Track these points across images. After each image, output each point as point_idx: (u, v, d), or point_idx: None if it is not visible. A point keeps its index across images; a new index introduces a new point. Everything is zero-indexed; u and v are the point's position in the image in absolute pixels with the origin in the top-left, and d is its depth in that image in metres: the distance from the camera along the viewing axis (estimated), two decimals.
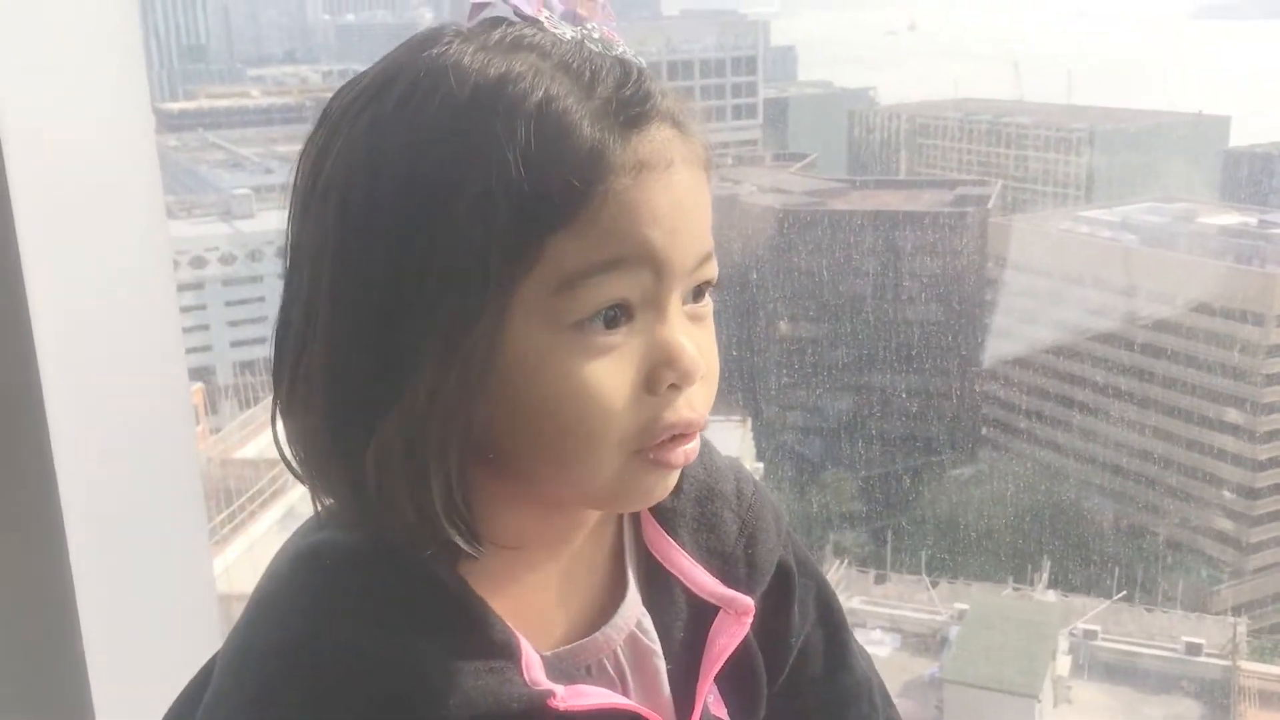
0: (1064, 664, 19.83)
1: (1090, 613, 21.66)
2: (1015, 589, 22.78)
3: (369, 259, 0.68)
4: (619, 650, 0.81)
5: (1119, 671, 20.51)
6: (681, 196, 0.73)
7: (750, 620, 0.83)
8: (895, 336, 27.34)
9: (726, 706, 0.86)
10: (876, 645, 22.71)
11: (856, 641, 0.98)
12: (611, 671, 0.80)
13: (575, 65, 0.70)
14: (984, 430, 28.92)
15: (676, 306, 0.73)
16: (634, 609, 0.82)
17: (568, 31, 0.72)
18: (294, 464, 0.76)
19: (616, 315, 0.70)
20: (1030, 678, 18.76)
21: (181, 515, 0.92)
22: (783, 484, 27.96)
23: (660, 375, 0.73)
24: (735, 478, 0.87)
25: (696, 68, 44.05)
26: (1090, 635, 20.86)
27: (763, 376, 28.27)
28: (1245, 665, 20.23)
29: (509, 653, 0.73)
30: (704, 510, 0.83)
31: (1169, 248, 29.07)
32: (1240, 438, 25.68)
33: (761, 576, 0.86)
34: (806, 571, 0.93)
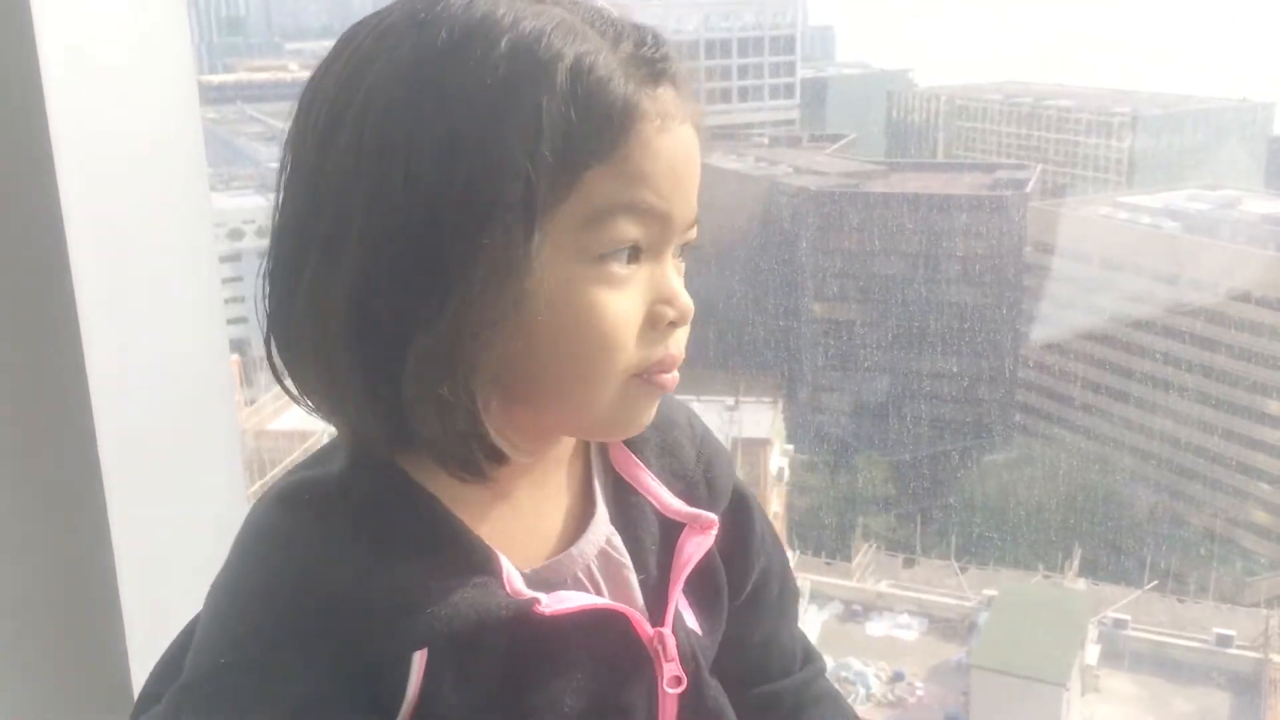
0: (1093, 653, 19.73)
1: (1121, 602, 21.52)
2: (1045, 576, 22.68)
3: (411, 190, 0.71)
4: (592, 565, 0.87)
5: (1148, 661, 20.38)
6: (690, 153, 0.81)
7: (714, 534, 0.90)
8: (931, 320, 27.18)
9: (695, 617, 0.94)
10: (904, 629, 22.70)
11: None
12: (587, 584, 0.86)
13: (599, 23, 0.77)
14: (1018, 416, 28.73)
15: (670, 256, 0.81)
16: (603, 528, 0.89)
17: None
18: (291, 388, 0.79)
19: (632, 253, 0.78)
20: (1058, 666, 18.67)
21: (222, 486, 0.92)
22: (816, 467, 27.93)
23: (662, 313, 0.81)
24: (685, 412, 0.94)
25: (734, 46, 43.84)
26: (1120, 624, 20.74)
27: (795, 357, 28.20)
28: (1277, 658, 20.04)
29: (490, 568, 0.79)
30: (665, 437, 0.91)
31: (1211, 235, 28.70)
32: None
33: (720, 497, 0.94)
34: (762, 514, 1.02)
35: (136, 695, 0.93)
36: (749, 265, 30.28)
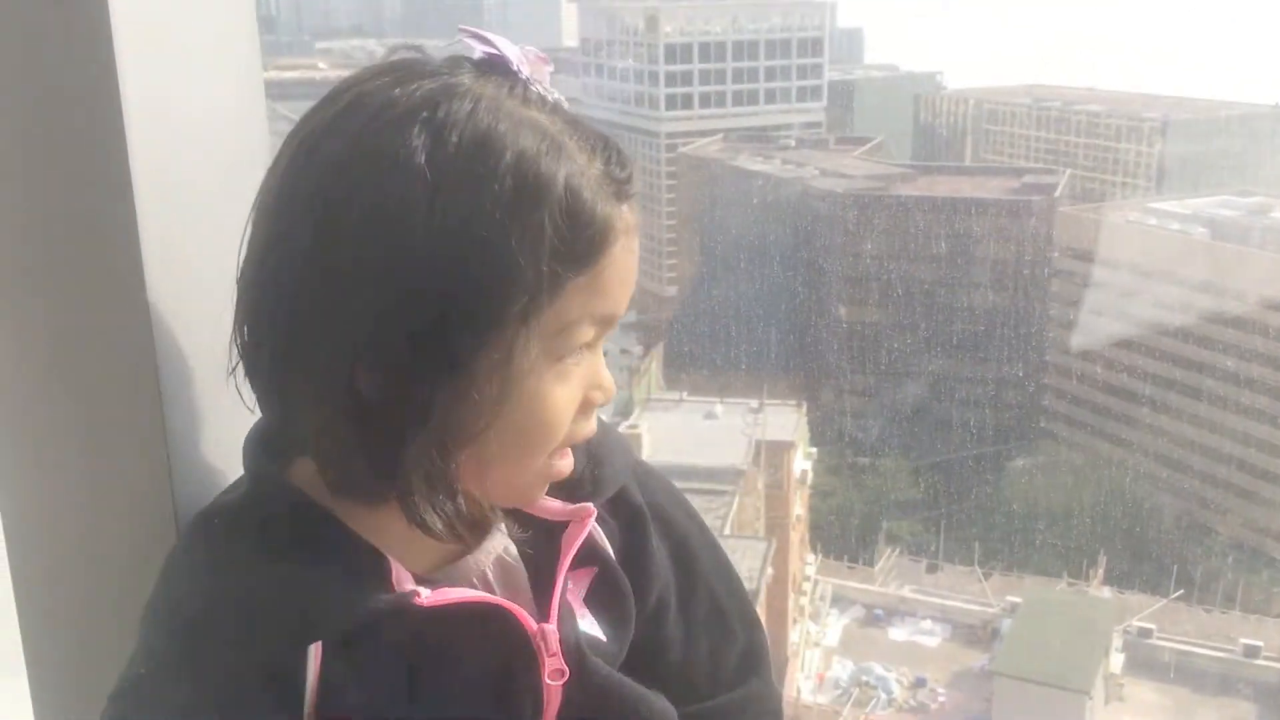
0: (1117, 661, 19.62)
1: (1146, 610, 21.39)
2: (1070, 583, 22.57)
3: (423, 287, 0.77)
4: (488, 571, 0.92)
5: (1173, 671, 20.24)
6: (635, 260, 0.86)
7: (591, 521, 0.93)
8: (957, 324, 27.09)
9: (599, 623, 0.96)
10: (927, 635, 22.62)
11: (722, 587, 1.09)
12: (481, 588, 0.91)
13: (575, 135, 0.82)
14: (1044, 421, 28.59)
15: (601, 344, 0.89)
16: (500, 539, 0.93)
17: (547, 93, 0.83)
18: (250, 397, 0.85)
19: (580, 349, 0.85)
20: (1082, 674, 18.56)
21: None
22: (839, 470, 27.88)
23: (593, 398, 0.87)
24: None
25: (761, 48, 43.79)
26: (1145, 633, 20.61)
27: (819, 360, 28.17)
28: None
29: (379, 570, 0.84)
30: None
31: (1241, 242, 28.48)
32: None
33: (605, 489, 0.97)
34: (669, 522, 1.03)
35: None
36: (773, 268, 30.22)
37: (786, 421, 21.60)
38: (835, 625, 22.22)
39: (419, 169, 0.75)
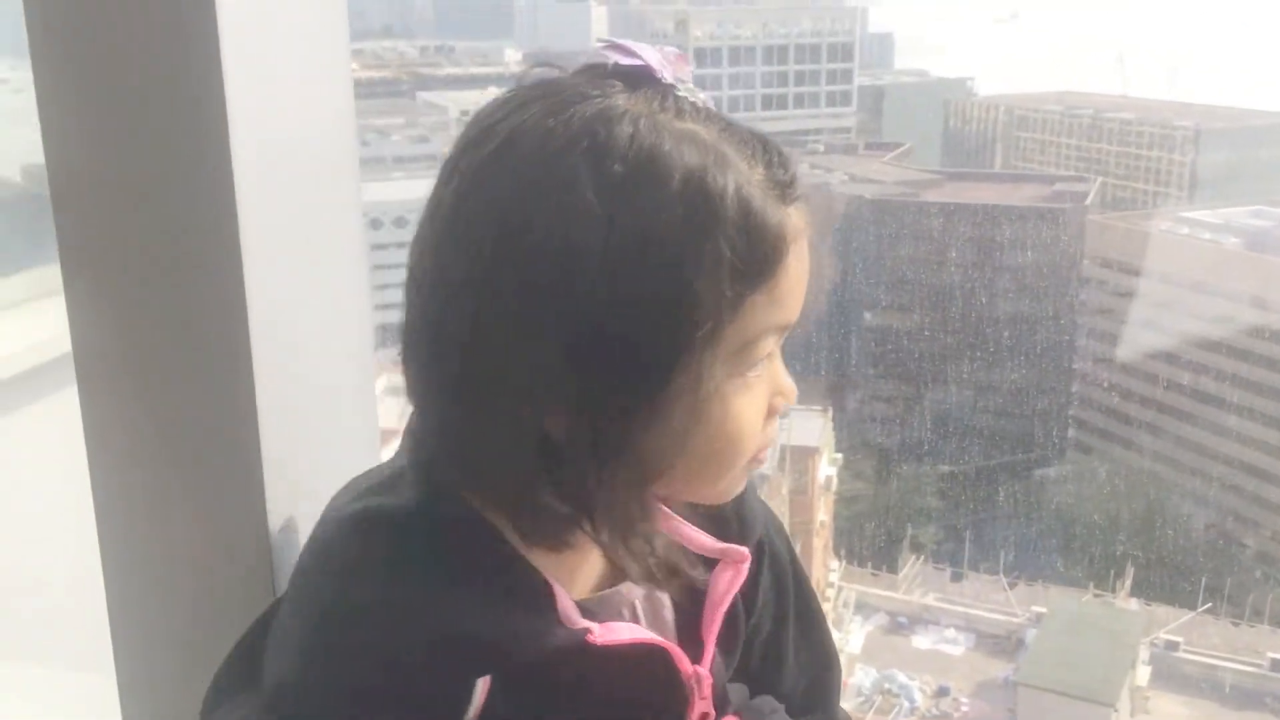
0: (1143, 674, 19.45)
1: (1173, 623, 21.19)
2: (1096, 594, 22.40)
3: (607, 321, 0.75)
4: (638, 602, 0.90)
5: (1200, 684, 20.05)
6: (807, 262, 0.84)
7: (746, 568, 0.92)
8: (986, 331, 26.94)
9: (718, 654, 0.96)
10: (950, 644, 22.50)
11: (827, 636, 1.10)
12: (630, 620, 0.89)
13: (735, 142, 0.79)
14: (1073, 431, 28.39)
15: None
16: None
17: (696, 98, 0.82)
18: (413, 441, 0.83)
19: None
20: (1108, 686, 18.40)
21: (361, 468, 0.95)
22: (864, 476, 27.75)
23: (776, 404, 0.86)
24: None
25: (791, 52, 43.72)
26: (1172, 646, 20.42)
27: (846, 366, 28.07)
28: None
29: (548, 599, 0.81)
30: None
31: (1275, 253, 28.20)
32: None
33: (751, 531, 0.96)
34: (775, 556, 1.03)
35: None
36: None
37: (812, 427, 21.53)
38: (858, 632, 22.11)
39: (589, 203, 0.73)
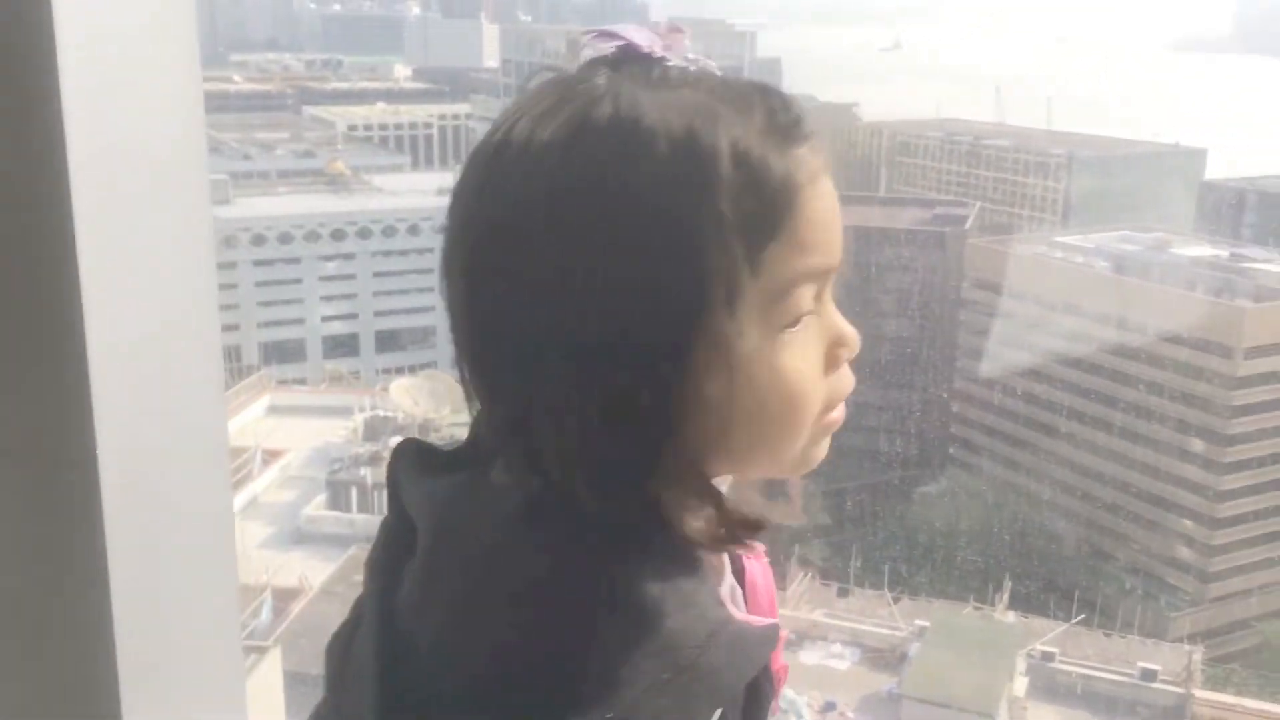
0: (1021, 685, 19.96)
1: (1049, 635, 21.79)
2: (976, 608, 22.96)
3: (617, 302, 0.74)
4: (724, 591, 0.89)
5: (1075, 694, 20.64)
6: (835, 200, 0.81)
7: (765, 554, 0.93)
8: (867, 352, 27.33)
9: None
10: (836, 659, 22.79)
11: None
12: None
13: (727, 95, 0.78)
14: (950, 449, 29.13)
15: (829, 296, 0.83)
16: (726, 567, 0.90)
17: (688, 64, 0.80)
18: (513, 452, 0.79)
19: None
20: (987, 697, 18.85)
21: (210, 488, 0.92)
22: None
23: (837, 354, 0.83)
24: None
25: None
26: (1048, 657, 21.00)
27: None
28: (1199, 693, 20.40)
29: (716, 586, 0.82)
30: None
31: (1141, 276, 29.40)
32: (1204, 468, 26.01)
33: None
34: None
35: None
36: None
37: None
38: None
39: (584, 188, 0.74)
